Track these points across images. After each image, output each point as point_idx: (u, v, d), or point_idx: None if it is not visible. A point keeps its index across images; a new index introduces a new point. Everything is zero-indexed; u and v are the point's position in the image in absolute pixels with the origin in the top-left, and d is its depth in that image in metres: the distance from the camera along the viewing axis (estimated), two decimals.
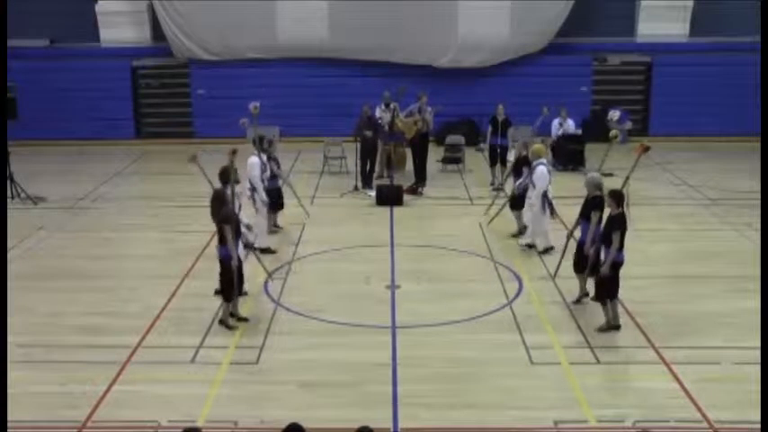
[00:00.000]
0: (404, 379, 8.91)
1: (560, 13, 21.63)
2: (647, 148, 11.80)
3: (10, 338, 9.17)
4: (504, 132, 17.32)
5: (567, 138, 19.26)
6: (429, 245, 13.47)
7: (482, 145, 19.81)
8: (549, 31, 21.86)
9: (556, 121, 19.41)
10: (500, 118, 17.38)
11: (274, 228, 14.05)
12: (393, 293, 11.41)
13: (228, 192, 10.60)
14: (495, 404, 8.41)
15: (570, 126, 19.46)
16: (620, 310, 10.74)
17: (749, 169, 17.54)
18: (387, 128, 17.37)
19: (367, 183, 17.23)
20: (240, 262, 10.29)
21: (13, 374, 8.30)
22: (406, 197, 16.23)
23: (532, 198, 13.09)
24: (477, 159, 19.86)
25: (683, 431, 7.95)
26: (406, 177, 17.44)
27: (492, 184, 17.41)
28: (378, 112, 17.73)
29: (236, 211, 10.72)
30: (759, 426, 6.91)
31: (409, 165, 17.91)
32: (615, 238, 9.84)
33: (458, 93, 21.49)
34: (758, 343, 8.60)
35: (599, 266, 10.09)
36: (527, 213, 13.45)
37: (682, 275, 12.20)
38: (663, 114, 22.21)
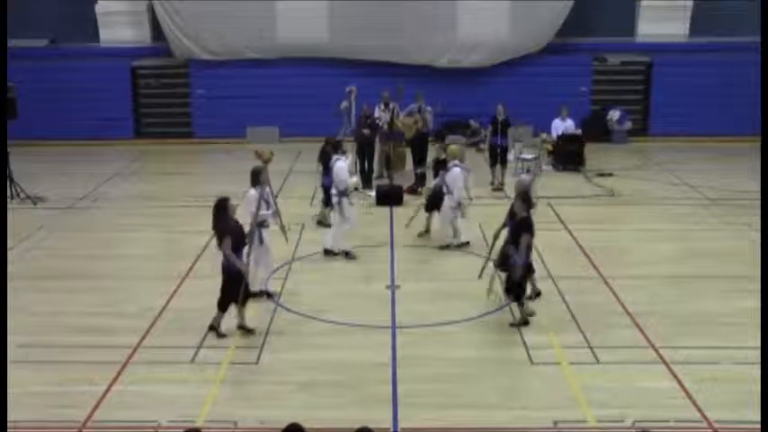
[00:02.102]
0: (404, 379, 8.91)
1: (560, 13, 21.61)
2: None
3: (10, 338, 9.17)
4: (504, 132, 17.32)
5: (566, 138, 19.26)
6: (429, 245, 13.46)
7: (482, 145, 19.80)
8: (548, 31, 21.84)
9: (556, 121, 19.42)
10: (500, 118, 17.38)
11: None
12: (393, 293, 11.41)
13: (256, 193, 10.54)
14: (495, 404, 8.42)
15: (570, 126, 19.46)
16: (620, 309, 10.77)
17: (749, 169, 17.54)
18: (385, 127, 17.37)
19: (367, 183, 17.22)
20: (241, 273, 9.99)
21: (12, 374, 8.29)
22: (405, 197, 16.23)
23: (453, 200, 13.13)
24: (477, 159, 19.85)
25: (683, 431, 7.95)
26: (405, 177, 17.43)
27: (492, 183, 17.41)
28: (377, 112, 17.73)
29: (266, 210, 10.66)
30: (759, 426, 6.91)
31: (409, 165, 17.91)
32: (523, 240, 9.92)
33: (458, 93, 21.47)
34: (758, 343, 8.61)
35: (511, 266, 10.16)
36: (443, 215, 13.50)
37: (682, 275, 12.20)
38: (663, 114, 22.19)
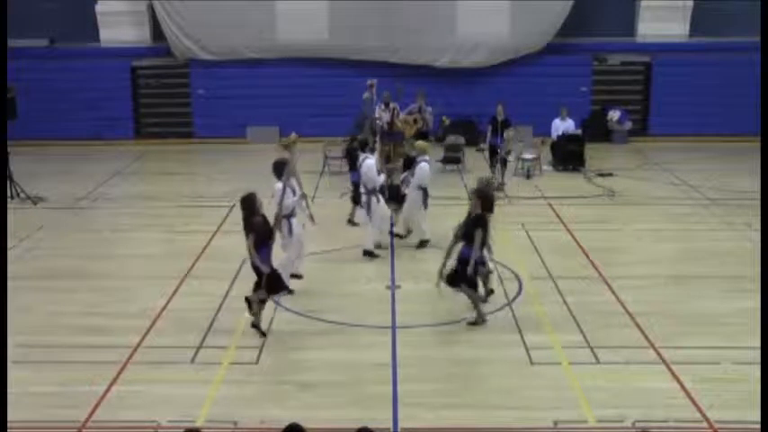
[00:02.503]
0: (404, 379, 8.91)
1: (560, 13, 21.61)
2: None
3: (10, 338, 9.17)
4: (504, 132, 17.30)
5: (566, 138, 19.27)
6: (429, 245, 13.45)
7: (482, 145, 19.80)
8: (548, 31, 21.84)
9: (556, 121, 19.43)
10: (500, 118, 17.37)
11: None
12: (393, 293, 11.40)
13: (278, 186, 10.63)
14: (495, 404, 8.41)
15: (570, 126, 19.46)
16: (620, 309, 10.78)
17: (749, 169, 17.53)
18: (385, 127, 17.37)
19: None
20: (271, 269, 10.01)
21: (12, 374, 8.30)
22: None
23: (409, 190, 13.34)
24: (477, 159, 19.86)
25: (683, 431, 7.95)
26: None
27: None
28: (377, 112, 17.72)
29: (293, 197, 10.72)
30: (759, 426, 6.91)
31: None
32: (477, 236, 9.96)
33: (458, 93, 21.48)
34: (758, 343, 8.59)
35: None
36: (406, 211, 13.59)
37: (682, 275, 12.20)
38: (663, 114, 22.20)
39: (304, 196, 11.38)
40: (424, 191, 13.22)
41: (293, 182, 11.24)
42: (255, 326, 10.02)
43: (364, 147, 13.24)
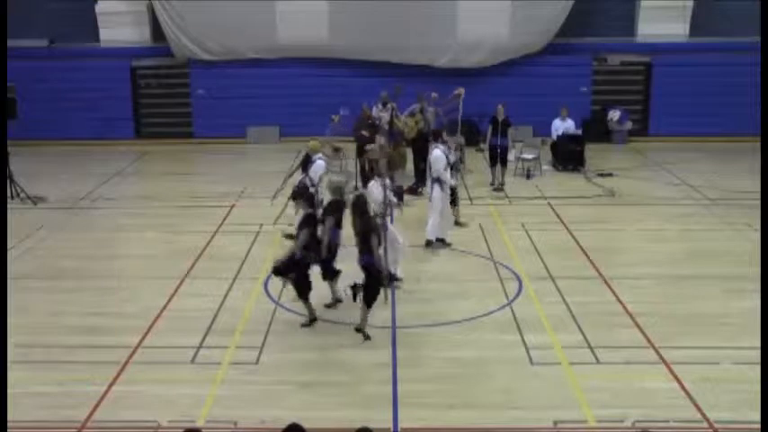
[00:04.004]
0: (404, 379, 8.91)
1: (560, 13, 21.62)
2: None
3: (10, 338, 9.17)
4: (504, 132, 17.31)
5: (567, 138, 19.27)
6: (434, 245, 13.44)
7: (482, 145, 19.81)
8: (549, 31, 21.84)
9: (556, 121, 19.43)
10: (500, 118, 17.38)
11: None
12: (393, 293, 11.39)
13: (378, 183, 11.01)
14: (495, 404, 8.41)
15: (570, 126, 19.47)
16: (620, 309, 10.78)
17: (749, 169, 17.53)
18: (386, 127, 17.36)
19: (367, 183, 17.19)
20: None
21: (12, 374, 8.29)
22: (406, 197, 16.21)
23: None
24: (477, 159, 19.86)
25: (683, 431, 7.95)
26: (406, 177, 17.42)
27: (492, 184, 17.43)
28: (375, 112, 17.71)
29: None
30: (759, 426, 6.90)
31: (409, 165, 17.91)
32: (302, 235, 10.00)
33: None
34: (758, 343, 8.59)
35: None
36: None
37: (682, 275, 12.19)
38: (663, 114, 22.21)
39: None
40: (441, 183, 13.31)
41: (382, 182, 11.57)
42: (361, 329, 10.00)
43: (438, 137, 13.53)
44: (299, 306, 10.84)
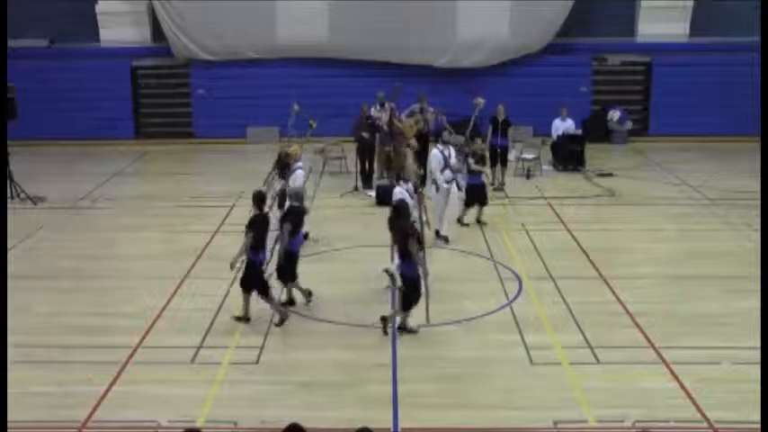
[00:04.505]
0: (404, 379, 8.91)
1: (560, 13, 21.61)
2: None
3: (10, 338, 9.16)
4: (504, 132, 17.31)
5: (567, 138, 19.27)
6: (429, 245, 13.45)
7: (482, 145, 19.78)
8: (549, 31, 21.84)
9: (556, 121, 19.42)
10: (500, 118, 17.37)
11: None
12: (393, 293, 11.39)
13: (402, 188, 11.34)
14: (495, 404, 8.41)
15: (570, 126, 19.46)
16: (620, 309, 10.78)
17: (749, 169, 17.54)
18: (386, 128, 17.35)
19: (367, 183, 17.23)
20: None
21: (12, 374, 8.29)
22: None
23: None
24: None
25: (683, 431, 7.95)
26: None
27: (492, 183, 17.40)
28: (373, 113, 17.70)
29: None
30: (759, 426, 6.91)
31: None
32: (248, 237, 10.06)
33: (458, 93, 21.44)
34: (758, 343, 8.60)
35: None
36: None
37: (682, 275, 12.20)
38: (663, 114, 22.18)
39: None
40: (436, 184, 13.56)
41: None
42: (403, 328, 10.09)
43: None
44: (300, 307, 10.88)
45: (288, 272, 10.68)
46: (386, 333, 9.96)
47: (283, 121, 21.63)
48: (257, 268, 10.22)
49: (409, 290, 9.93)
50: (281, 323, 10.32)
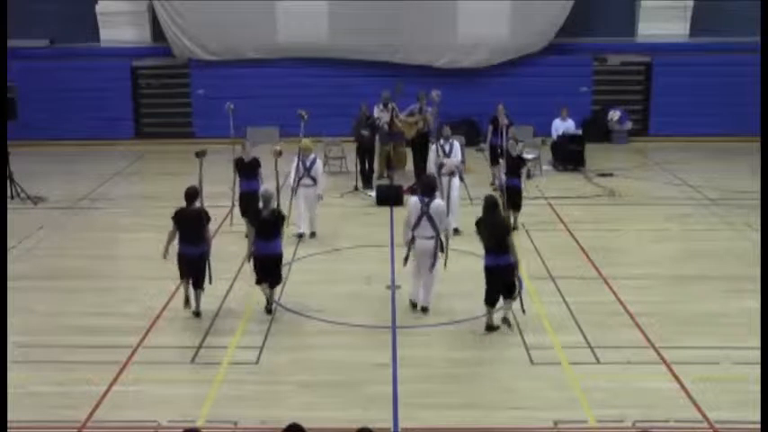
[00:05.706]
0: (404, 379, 8.91)
1: (560, 14, 21.60)
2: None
3: (10, 338, 9.18)
4: (504, 132, 17.28)
5: (567, 138, 19.27)
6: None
7: (482, 145, 19.79)
8: (549, 31, 21.83)
9: (556, 121, 19.43)
10: (500, 118, 17.34)
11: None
12: (393, 293, 11.40)
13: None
14: (495, 404, 8.42)
15: (570, 126, 19.46)
16: (620, 309, 10.78)
17: (749, 169, 17.53)
18: (386, 127, 17.37)
19: (367, 183, 17.23)
20: None
21: (13, 374, 8.30)
22: (406, 197, 16.21)
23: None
24: (477, 159, 19.83)
25: (683, 431, 7.95)
26: (406, 177, 17.43)
27: (492, 183, 17.40)
28: (376, 112, 17.70)
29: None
30: (759, 426, 6.91)
31: (409, 165, 17.92)
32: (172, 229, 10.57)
33: (458, 93, 21.46)
34: (758, 343, 8.60)
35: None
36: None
37: (682, 275, 12.20)
38: (663, 114, 22.19)
39: None
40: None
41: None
42: (491, 327, 10.18)
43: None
44: (300, 307, 10.88)
45: (258, 272, 10.67)
46: (509, 326, 10.12)
47: (283, 121, 21.78)
48: (183, 260, 10.59)
49: (513, 283, 10.03)
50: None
